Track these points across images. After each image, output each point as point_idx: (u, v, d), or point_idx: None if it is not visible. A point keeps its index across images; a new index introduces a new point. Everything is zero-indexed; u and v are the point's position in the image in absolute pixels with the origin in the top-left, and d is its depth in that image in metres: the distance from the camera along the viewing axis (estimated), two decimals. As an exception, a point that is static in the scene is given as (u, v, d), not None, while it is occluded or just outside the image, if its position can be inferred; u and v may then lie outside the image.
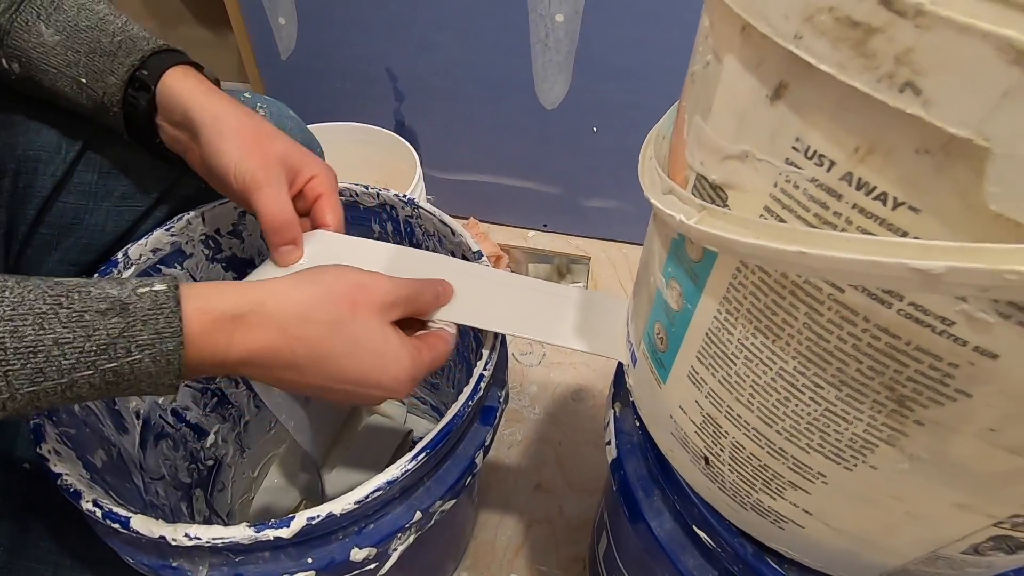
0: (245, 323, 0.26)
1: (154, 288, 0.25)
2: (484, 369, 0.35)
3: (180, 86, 0.36)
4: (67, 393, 0.23)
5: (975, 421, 0.16)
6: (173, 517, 0.44)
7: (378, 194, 0.47)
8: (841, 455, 0.20)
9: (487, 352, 0.36)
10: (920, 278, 0.13)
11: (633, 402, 0.34)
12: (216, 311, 0.26)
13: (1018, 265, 0.12)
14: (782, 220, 0.18)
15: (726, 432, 0.25)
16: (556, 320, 0.36)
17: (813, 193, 0.16)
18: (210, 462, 0.53)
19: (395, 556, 0.33)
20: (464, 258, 0.43)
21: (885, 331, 0.16)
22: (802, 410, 0.20)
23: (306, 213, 0.39)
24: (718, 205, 0.20)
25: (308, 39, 0.81)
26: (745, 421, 0.23)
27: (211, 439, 0.53)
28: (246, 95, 0.46)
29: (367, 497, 0.29)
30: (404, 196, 0.47)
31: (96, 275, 0.40)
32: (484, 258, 0.42)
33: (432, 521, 0.35)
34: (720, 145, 0.19)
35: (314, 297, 0.28)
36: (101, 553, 0.40)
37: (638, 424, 0.33)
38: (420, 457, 0.31)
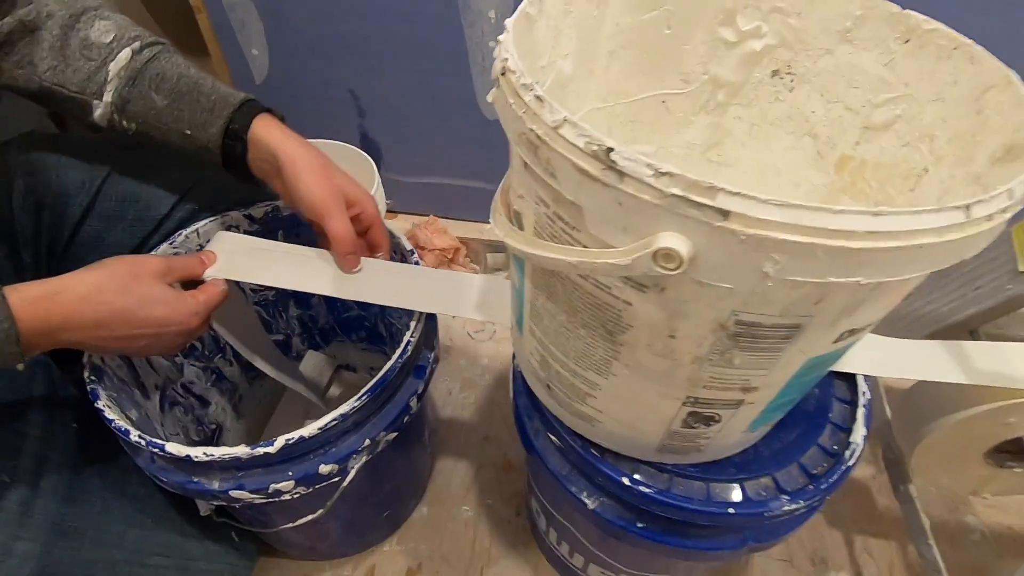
0: (56, 300, 0.39)
1: None
2: (411, 336, 0.48)
3: (265, 133, 0.48)
4: None
5: (640, 340, 0.30)
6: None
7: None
8: (600, 370, 0.34)
9: (414, 324, 0.49)
10: (581, 267, 0.27)
11: (514, 354, 0.47)
12: (33, 296, 0.38)
13: (609, 259, 0.25)
14: (540, 236, 0.31)
15: (551, 365, 0.38)
16: (462, 298, 0.49)
17: (546, 221, 0.30)
18: (212, 426, 0.66)
19: (352, 472, 0.47)
20: (401, 256, 0.56)
21: (590, 294, 0.30)
22: (576, 344, 0.34)
23: (359, 234, 0.51)
24: (519, 228, 0.33)
25: (279, 67, 0.93)
26: (557, 356, 0.37)
27: (212, 407, 0.66)
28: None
29: (327, 425, 0.42)
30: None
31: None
32: (415, 255, 0.55)
33: (380, 447, 0.48)
34: (515, 191, 0.33)
35: (102, 275, 0.41)
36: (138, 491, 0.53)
37: (520, 371, 0.47)
38: (364, 398, 0.44)
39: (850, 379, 0.45)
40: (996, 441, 0.50)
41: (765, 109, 0.44)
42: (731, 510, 0.37)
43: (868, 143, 0.39)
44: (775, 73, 0.42)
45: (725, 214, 0.22)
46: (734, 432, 0.36)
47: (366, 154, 0.88)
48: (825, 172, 0.42)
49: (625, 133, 0.48)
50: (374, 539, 0.68)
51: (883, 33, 0.36)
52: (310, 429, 0.42)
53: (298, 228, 0.61)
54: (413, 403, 0.50)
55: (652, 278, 0.26)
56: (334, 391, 0.60)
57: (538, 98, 0.25)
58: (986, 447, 0.52)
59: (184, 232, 0.56)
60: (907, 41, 0.35)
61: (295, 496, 0.45)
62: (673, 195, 0.22)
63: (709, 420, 0.34)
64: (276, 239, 0.60)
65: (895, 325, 0.64)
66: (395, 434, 0.49)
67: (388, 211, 1.02)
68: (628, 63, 0.43)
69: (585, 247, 0.28)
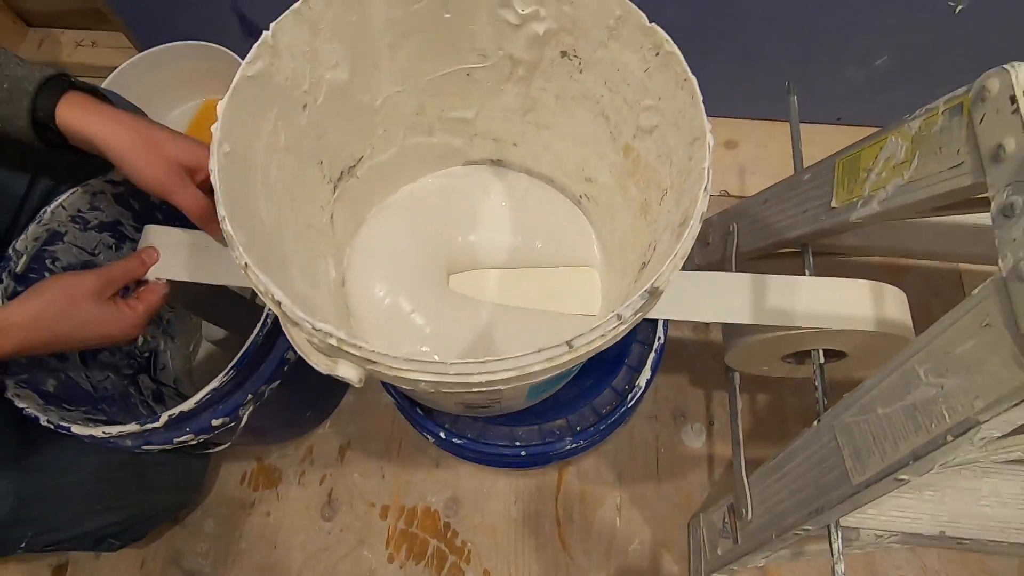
0: (3, 335, 0.44)
1: None
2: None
3: (72, 118, 0.44)
4: None
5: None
6: (123, 401, 0.67)
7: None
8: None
9: (271, 296, 0.54)
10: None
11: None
12: None
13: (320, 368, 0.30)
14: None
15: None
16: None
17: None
18: (146, 354, 0.75)
19: (245, 418, 0.57)
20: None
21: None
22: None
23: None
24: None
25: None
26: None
27: (140, 340, 0.74)
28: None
29: (203, 398, 0.51)
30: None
31: None
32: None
33: (266, 396, 0.57)
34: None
35: (39, 304, 0.45)
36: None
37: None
38: (230, 372, 0.51)
39: (653, 321, 0.52)
40: (789, 351, 0.59)
41: (564, 85, 0.43)
42: (523, 452, 0.47)
43: (640, 141, 0.40)
44: (564, 55, 0.41)
45: (372, 362, 0.26)
46: (514, 405, 0.44)
47: (237, 57, 0.83)
48: (618, 153, 0.44)
49: (439, 103, 0.47)
50: (309, 427, 0.82)
51: (639, 40, 0.35)
52: (188, 404, 0.50)
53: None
54: (290, 355, 0.57)
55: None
56: None
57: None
58: (782, 355, 0.60)
59: (48, 208, 0.58)
60: (657, 55, 0.35)
61: (199, 440, 0.55)
62: (330, 344, 0.27)
63: (480, 407, 0.42)
64: (143, 199, 0.62)
65: (752, 228, 0.68)
66: (277, 383, 0.57)
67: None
68: (417, 48, 0.42)
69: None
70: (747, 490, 0.59)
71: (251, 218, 0.32)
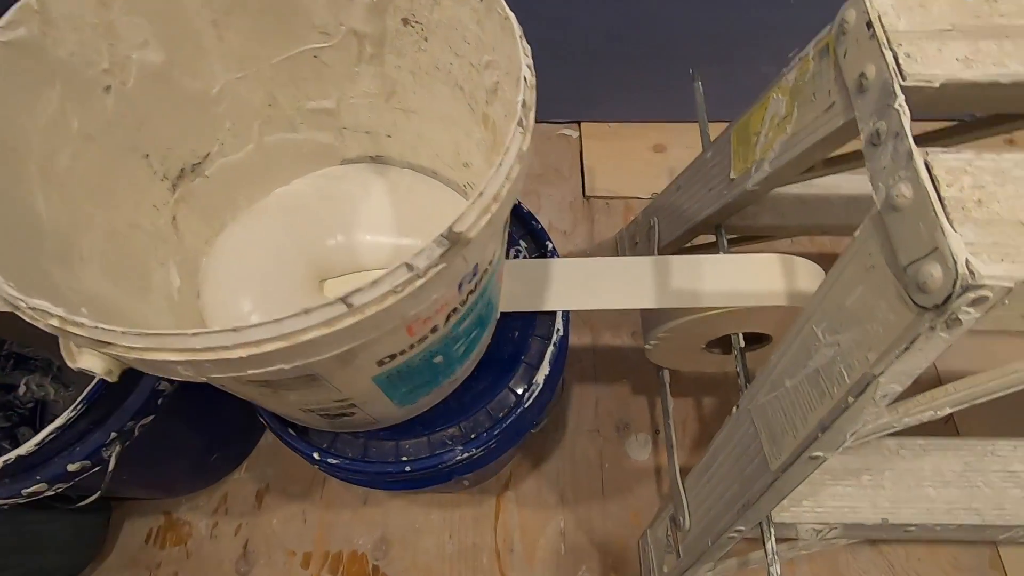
0: None
1: None
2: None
3: None
4: None
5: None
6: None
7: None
8: (225, 390, 0.36)
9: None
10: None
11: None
12: None
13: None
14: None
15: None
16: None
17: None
18: (30, 404, 0.68)
19: (112, 461, 0.50)
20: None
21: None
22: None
23: None
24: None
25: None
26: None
27: (22, 389, 0.68)
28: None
29: (45, 439, 0.45)
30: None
31: None
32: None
33: (136, 433, 0.51)
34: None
35: None
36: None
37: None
38: (79, 407, 0.46)
39: (551, 313, 0.48)
40: (709, 339, 0.55)
41: (416, 59, 0.40)
42: (408, 468, 0.42)
43: (492, 106, 0.37)
44: (405, 22, 0.38)
45: (105, 343, 0.21)
46: (384, 414, 0.39)
47: None
48: (479, 126, 0.40)
49: (292, 92, 0.44)
50: (221, 472, 0.75)
51: (464, -13, 0.32)
52: (28, 447, 0.44)
53: None
54: (163, 386, 0.52)
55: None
56: None
57: None
58: (703, 344, 0.56)
59: None
60: (482, 0, 0.32)
61: (58, 490, 0.49)
62: (66, 331, 0.22)
63: (339, 416, 0.37)
64: None
65: (670, 219, 0.65)
66: (152, 416, 0.51)
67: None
68: (248, 28, 0.38)
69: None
70: (683, 495, 0.54)
71: (15, 209, 0.28)
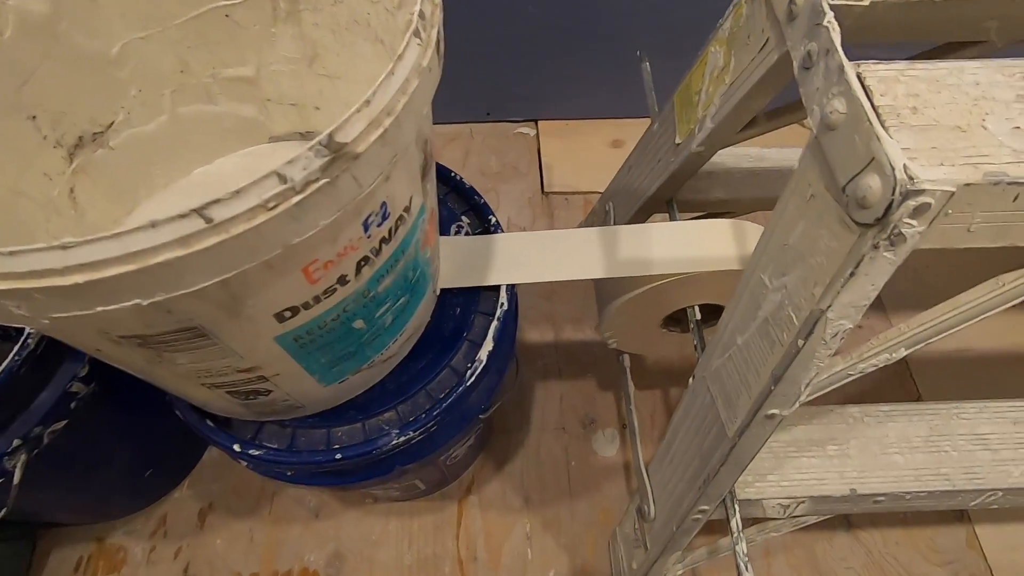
0: None
1: None
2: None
3: None
4: None
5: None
6: None
7: None
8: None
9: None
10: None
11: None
12: None
13: None
14: None
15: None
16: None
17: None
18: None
19: (18, 472, 0.45)
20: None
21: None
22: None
23: None
24: None
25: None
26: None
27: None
28: None
29: (-70, 446, 0.40)
30: None
31: None
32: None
33: (45, 440, 0.46)
34: None
35: None
36: None
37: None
38: (-28, 408, 0.41)
39: (495, 290, 0.45)
40: (664, 314, 0.53)
41: (334, 13, 0.38)
42: (338, 456, 0.38)
43: (409, 52, 0.34)
44: (317, -30, 0.36)
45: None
46: (308, 395, 0.36)
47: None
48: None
49: (205, 57, 0.41)
50: (159, 491, 0.70)
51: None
52: (-90, 455, 0.39)
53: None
54: (76, 387, 0.47)
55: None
56: None
57: None
58: (659, 320, 0.54)
59: None
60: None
61: (-46, 507, 0.44)
62: None
63: (252, 396, 0.33)
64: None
65: (624, 200, 0.63)
66: (63, 422, 0.47)
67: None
68: (144, -21, 0.36)
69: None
70: (647, 482, 0.51)
71: None
